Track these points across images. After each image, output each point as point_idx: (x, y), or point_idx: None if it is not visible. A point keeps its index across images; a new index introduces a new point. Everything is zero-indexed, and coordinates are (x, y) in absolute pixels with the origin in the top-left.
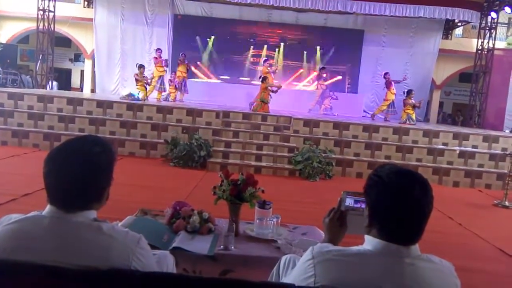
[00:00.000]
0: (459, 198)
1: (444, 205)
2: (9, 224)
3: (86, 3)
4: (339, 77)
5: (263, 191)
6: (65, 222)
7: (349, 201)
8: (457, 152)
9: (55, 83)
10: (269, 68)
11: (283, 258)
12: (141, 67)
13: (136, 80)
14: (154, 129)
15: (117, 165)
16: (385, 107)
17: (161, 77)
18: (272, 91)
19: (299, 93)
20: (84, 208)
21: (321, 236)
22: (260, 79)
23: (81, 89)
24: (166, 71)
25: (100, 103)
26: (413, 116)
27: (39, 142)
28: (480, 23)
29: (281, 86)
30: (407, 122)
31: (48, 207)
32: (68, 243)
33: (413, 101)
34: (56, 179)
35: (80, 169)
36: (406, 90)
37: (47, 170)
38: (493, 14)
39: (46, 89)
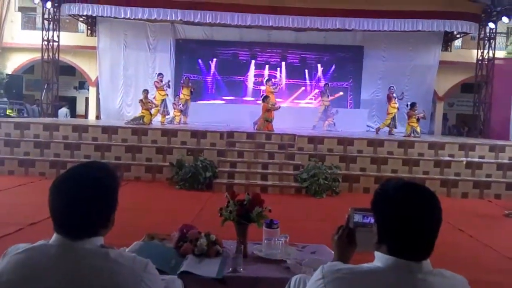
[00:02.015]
0: (468, 210)
1: (454, 217)
2: (16, 254)
3: (89, 31)
4: (341, 93)
5: (270, 211)
6: (72, 250)
7: (357, 218)
8: (464, 163)
9: (65, 109)
10: (272, 87)
11: (293, 279)
12: (144, 91)
13: (142, 105)
14: (159, 153)
15: (123, 190)
16: (389, 121)
17: (164, 101)
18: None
19: (302, 110)
20: (90, 235)
21: (330, 254)
22: (262, 98)
23: (86, 116)
24: (167, 94)
25: (105, 129)
26: (418, 129)
27: (45, 171)
28: (479, 34)
29: (279, 107)
30: (412, 135)
31: (54, 236)
32: (75, 271)
33: (417, 114)
34: (61, 207)
35: (84, 196)
36: (409, 103)
37: (52, 199)
38: (491, 25)
39: (57, 117)
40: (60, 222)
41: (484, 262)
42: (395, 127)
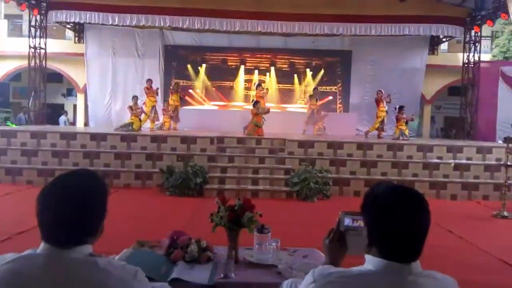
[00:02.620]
0: (458, 211)
1: (444, 219)
2: (4, 265)
3: (76, 38)
4: (330, 97)
5: (260, 215)
6: (60, 259)
7: (347, 221)
8: (452, 165)
9: (64, 117)
10: (261, 92)
11: (285, 283)
12: (134, 98)
13: (131, 111)
14: (148, 159)
15: (112, 197)
16: (378, 124)
17: (153, 107)
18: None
19: (292, 114)
20: (78, 243)
21: (321, 258)
22: (252, 104)
23: (74, 123)
24: (157, 100)
25: (94, 136)
26: (406, 132)
27: (33, 179)
28: (464, 38)
29: (269, 110)
30: (400, 138)
31: (42, 245)
32: (64, 281)
33: (405, 116)
34: (49, 216)
35: (72, 204)
36: (397, 106)
37: (39, 208)
38: (476, 28)
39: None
40: (48, 231)
41: (474, 263)
42: (384, 131)
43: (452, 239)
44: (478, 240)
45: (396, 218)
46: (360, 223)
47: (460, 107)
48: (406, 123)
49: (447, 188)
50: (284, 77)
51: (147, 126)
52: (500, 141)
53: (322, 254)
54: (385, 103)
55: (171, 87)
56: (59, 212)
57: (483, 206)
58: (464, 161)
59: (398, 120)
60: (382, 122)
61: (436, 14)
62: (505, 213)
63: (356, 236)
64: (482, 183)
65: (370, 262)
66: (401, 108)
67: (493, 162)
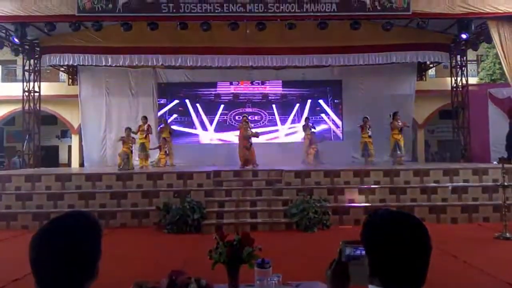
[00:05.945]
0: (459, 235)
1: (446, 243)
2: None
3: (70, 80)
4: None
5: (260, 249)
6: None
7: (348, 251)
8: (450, 188)
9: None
10: (240, 125)
11: None
12: (127, 129)
13: (123, 143)
14: (145, 197)
15: (109, 238)
16: (362, 151)
17: (141, 144)
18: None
19: (287, 145)
20: None
21: None
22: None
23: (69, 164)
24: (148, 138)
25: (88, 177)
26: (401, 143)
27: (28, 223)
28: (451, 63)
29: (257, 135)
30: (398, 153)
31: None
32: None
33: (399, 123)
34: (41, 262)
35: (63, 248)
36: (391, 113)
37: (32, 254)
38: (461, 53)
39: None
40: (42, 278)
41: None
42: (368, 155)
43: (457, 264)
44: (482, 264)
45: (395, 245)
46: (361, 252)
47: (453, 130)
48: (400, 130)
49: (447, 211)
50: (276, 108)
51: (145, 164)
52: (495, 162)
53: (325, 287)
54: (368, 130)
55: (161, 125)
56: (51, 257)
57: (484, 229)
58: (461, 184)
59: (392, 128)
60: (365, 148)
61: (421, 41)
62: (507, 235)
63: (358, 266)
64: (481, 205)
65: None
66: (395, 114)
67: (490, 183)
